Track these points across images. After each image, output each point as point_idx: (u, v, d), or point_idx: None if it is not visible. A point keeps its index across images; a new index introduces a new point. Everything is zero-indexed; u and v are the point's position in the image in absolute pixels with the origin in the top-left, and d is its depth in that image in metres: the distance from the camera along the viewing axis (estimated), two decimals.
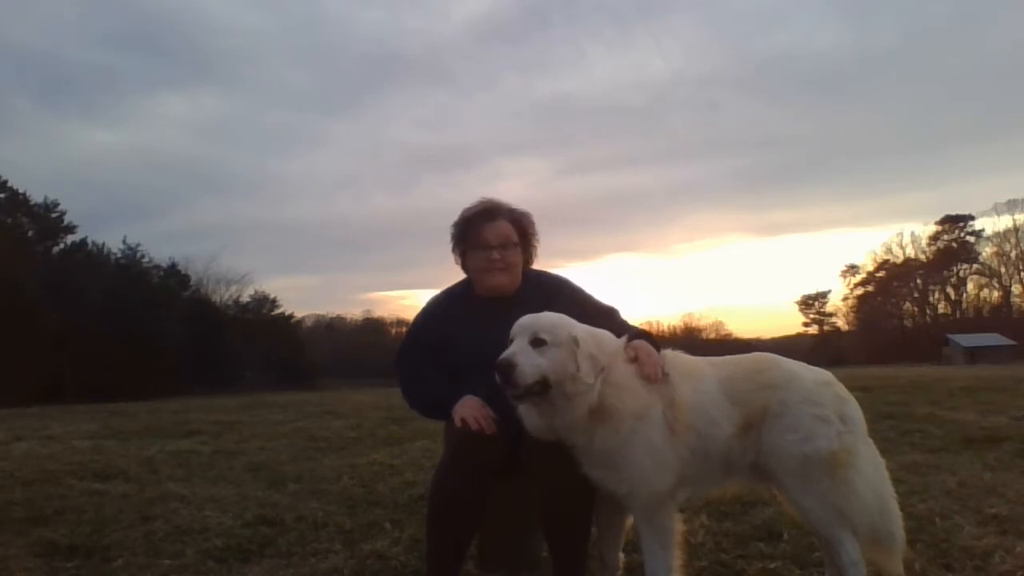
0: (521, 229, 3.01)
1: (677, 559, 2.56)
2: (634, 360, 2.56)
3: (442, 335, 2.94)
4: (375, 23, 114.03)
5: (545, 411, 2.47)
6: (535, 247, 3.08)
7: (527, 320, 2.51)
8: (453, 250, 3.07)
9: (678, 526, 2.58)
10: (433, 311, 3.07)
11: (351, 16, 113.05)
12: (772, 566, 3.11)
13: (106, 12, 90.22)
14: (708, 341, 70.85)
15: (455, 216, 3.07)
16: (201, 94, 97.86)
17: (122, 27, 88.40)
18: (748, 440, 2.57)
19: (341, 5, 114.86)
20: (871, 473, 2.60)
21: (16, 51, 75.56)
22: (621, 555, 2.88)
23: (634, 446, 2.45)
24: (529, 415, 2.53)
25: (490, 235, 2.92)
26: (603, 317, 2.91)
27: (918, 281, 73.89)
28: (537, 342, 2.42)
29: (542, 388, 2.41)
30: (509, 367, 2.35)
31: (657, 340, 2.72)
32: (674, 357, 2.68)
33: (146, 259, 42.97)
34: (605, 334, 2.62)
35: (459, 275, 3.14)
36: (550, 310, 2.89)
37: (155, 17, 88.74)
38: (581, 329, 2.53)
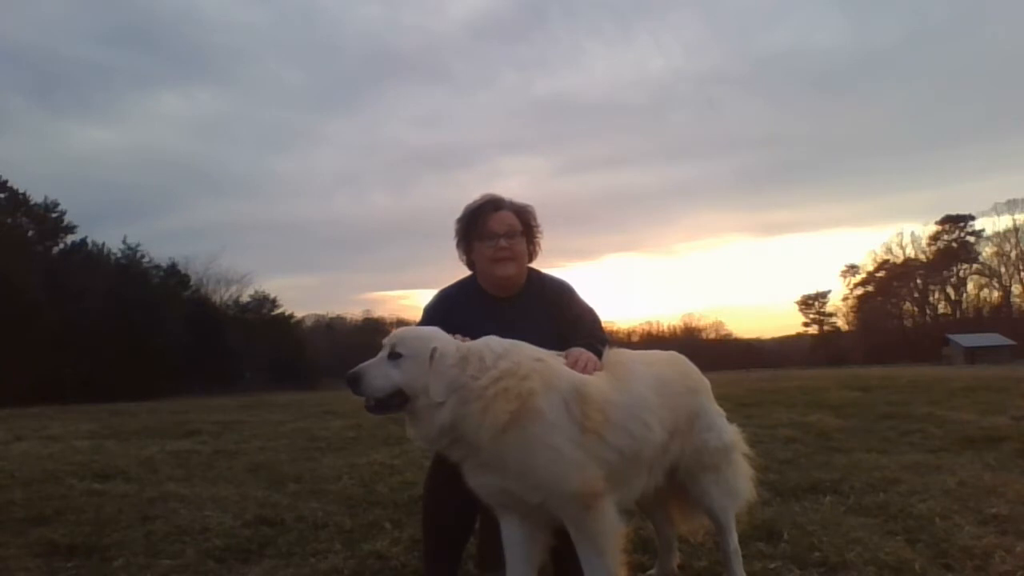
0: (524, 220, 2.98)
1: (619, 565, 2.39)
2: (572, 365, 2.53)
3: (452, 324, 2.91)
4: (371, 19, 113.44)
5: (411, 423, 2.43)
6: (539, 239, 3.05)
7: (394, 332, 2.48)
8: (458, 246, 3.01)
9: (618, 528, 2.39)
10: (445, 302, 3.02)
11: (347, 12, 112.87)
12: (772, 566, 3.12)
13: (101, 9, 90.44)
14: (708, 341, 70.94)
15: (456, 214, 3.04)
16: (197, 92, 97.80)
17: (118, 24, 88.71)
18: (674, 443, 2.64)
19: (337, 1, 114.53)
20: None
21: (12, 49, 75.60)
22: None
23: (531, 451, 2.29)
24: (408, 426, 2.47)
25: (496, 224, 2.89)
26: (589, 328, 2.91)
27: (918, 281, 73.87)
28: (394, 355, 2.38)
29: (401, 401, 2.36)
30: (354, 379, 2.35)
31: (603, 344, 2.73)
32: (613, 356, 2.69)
33: (146, 259, 43.22)
34: (508, 354, 2.41)
35: (459, 274, 3.12)
36: (554, 316, 2.89)
37: (150, 14, 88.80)
38: (453, 347, 2.40)
